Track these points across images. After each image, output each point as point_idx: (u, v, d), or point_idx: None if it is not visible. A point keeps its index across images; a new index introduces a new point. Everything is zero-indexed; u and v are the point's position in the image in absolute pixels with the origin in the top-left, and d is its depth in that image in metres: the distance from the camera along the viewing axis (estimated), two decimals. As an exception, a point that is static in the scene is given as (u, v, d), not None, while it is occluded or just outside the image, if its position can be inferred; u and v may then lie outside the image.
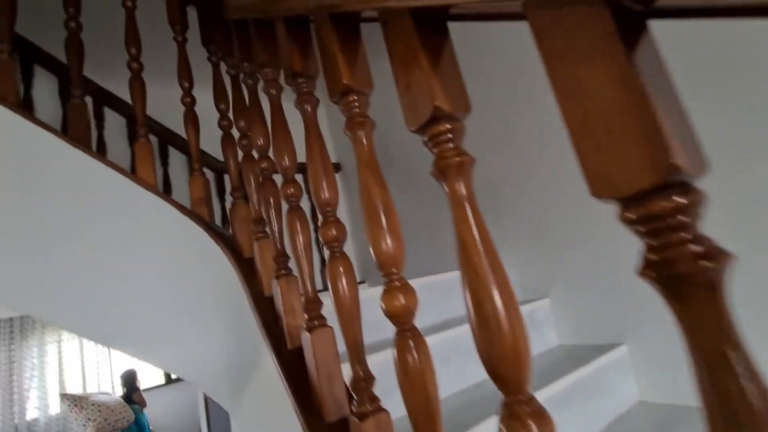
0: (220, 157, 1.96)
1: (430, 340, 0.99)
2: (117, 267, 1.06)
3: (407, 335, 0.48)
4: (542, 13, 0.28)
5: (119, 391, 4.53)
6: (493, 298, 0.33)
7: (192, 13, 1.31)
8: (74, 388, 4.86)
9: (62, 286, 0.98)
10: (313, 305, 0.71)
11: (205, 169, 1.28)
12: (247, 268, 1.00)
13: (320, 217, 0.61)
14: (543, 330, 1.42)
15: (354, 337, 0.58)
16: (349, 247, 2.67)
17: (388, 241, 0.48)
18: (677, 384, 1.13)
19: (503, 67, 1.61)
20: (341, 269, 0.59)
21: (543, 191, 1.49)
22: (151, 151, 1.11)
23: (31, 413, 4.61)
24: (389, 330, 1.18)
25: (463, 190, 0.34)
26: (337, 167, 2.81)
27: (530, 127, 1.52)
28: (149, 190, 1.06)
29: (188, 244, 1.09)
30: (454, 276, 1.59)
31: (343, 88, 0.47)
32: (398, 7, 0.35)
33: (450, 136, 0.34)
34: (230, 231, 1.13)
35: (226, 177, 2.36)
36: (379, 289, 1.26)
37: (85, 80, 1.71)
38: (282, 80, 0.81)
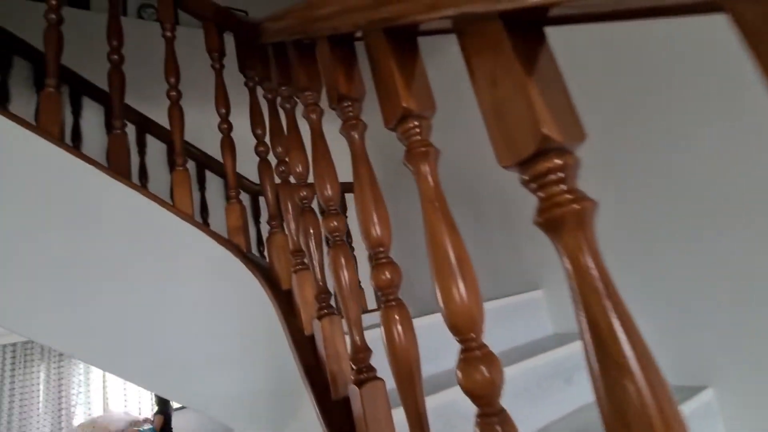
0: (256, 179, 1.94)
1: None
2: (150, 299, 1.03)
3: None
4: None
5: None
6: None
7: (229, 40, 1.31)
8: (116, 404, 5.00)
9: (94, 321, 0.96)
10: (361, 355, 0.63)
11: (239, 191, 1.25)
12: (285, 303, 0.94)
13: (371, 258, 0.54)
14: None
15: (415, 404, 0.48)
16: (365, 278, 2.57)
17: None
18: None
19: None
20: (397, 318, 0.50)
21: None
22: (189, 180, 1.08)
23: (78, 420, 4.75)
24: (447, 358, 1.08)
25: (585, 247, 0.26)
26: (348, 186, 2.75)
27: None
28: (186, 220, 1.03)
29: (224, 275, 1.04)
30: (518, 300, 1.48)
31: (402, 112, 0.40)
32: (486, 12, 0.28)
33: (562, 174, 0.28)
34: (267, 260, 1.08)
35: (262, 199, 2.36)
36: (432, 317, 1.19)
37: (128, 108, 1.76)
38: (323, 103, 0.75)
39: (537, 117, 0.26)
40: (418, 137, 0.41)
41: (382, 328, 0.50)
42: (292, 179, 0.88)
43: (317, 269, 0.78)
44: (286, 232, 1.00)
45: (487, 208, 1.82)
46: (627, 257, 1.27)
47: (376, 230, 0.52)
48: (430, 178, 0.40)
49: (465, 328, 0.39)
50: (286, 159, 0.94)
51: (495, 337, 1.29)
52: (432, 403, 0.73)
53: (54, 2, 1.06)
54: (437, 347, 1.12)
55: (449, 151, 1.97)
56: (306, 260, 0.88)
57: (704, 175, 1.08)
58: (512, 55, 0.27)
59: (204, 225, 1.07)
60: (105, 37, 1.16)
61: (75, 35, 1.76)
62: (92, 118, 2.10)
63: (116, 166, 1.02)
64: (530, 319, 1.49)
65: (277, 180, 1.00)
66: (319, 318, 0.74)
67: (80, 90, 2.02)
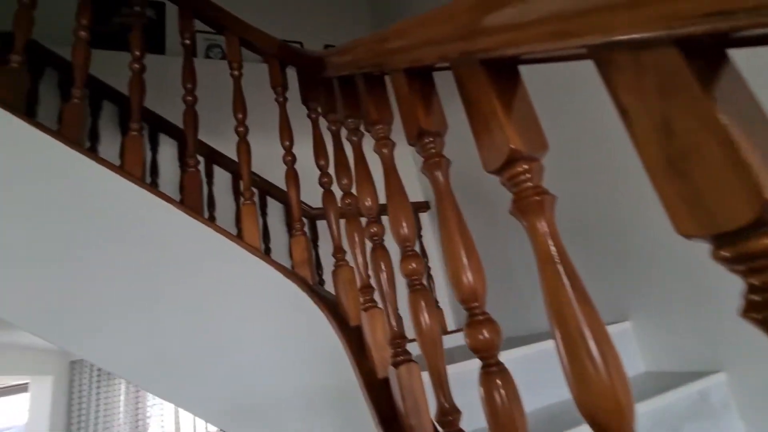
0: (314, 203, 1.96)
1: None
2: (216, 330, 1.03)
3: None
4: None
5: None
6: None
7: (291, 73, 1.34)
8: (186, 418, 5.26)
9: (167, 354, 0.98)
10: (450, 417, 0.56)
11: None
12: (355, 341, 0.90)
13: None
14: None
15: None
16: (443, 297, 2.48)
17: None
18: None
19: (577, 103, 1.39)
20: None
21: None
22: (256, 213, 1.10)
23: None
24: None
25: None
26: (425, 206, 2.70)
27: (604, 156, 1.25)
28: (254, 253, 1.04)
29: (291, 308, 1.03)
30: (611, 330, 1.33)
31: (509, 155, 0.34)
32: (655, 38, 0.22)
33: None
34: (334, 293, 1.05)
35: (319, 222, 2.39)
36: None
37: (199, 142, 1.87)
38: (392, 134, 0.72)
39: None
40: (530, 183, 0.35)
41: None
42: (359, 213, 0.85)
43: (390, 310, 0.73)
44: (353, 266, 0.96)
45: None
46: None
47: (469, 280, 0.46)
48: (548, 240, 0.33)
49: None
50: (353, 192, 0.91)
51: None
52: None
53: (137, 53, 1.15)
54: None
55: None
56: (376, 297, 0.83)
57: None
58: (699, 92, 0.21)
59: (270, 258, 1.07)
60: (179, 78, 1.24)
61: (151, 77, 1.91)
62: (167, 149, 2.26)
63: (190, 202, 1.06)
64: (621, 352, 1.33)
65: (343, 212, 0.97)
66: (396, 365, 0.69)
67: (157, 127, 2.19)
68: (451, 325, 2.44)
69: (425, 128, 0.51)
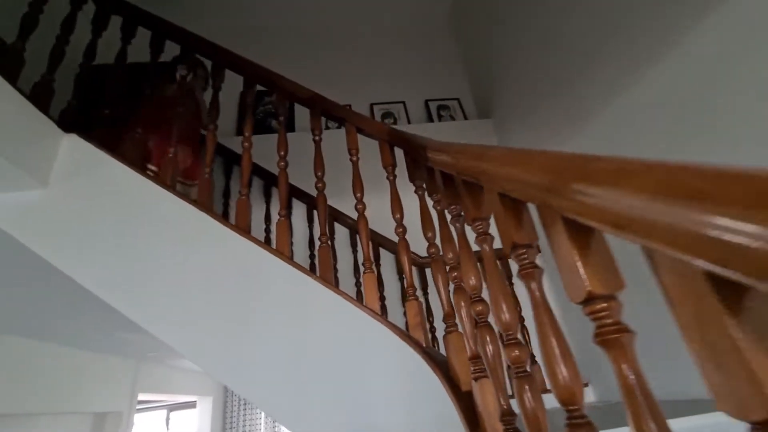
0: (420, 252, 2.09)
1: None
2: (343, 382, 1.20)
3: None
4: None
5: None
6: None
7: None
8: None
9: (300, 396, 1.17)
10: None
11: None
12: (466, 405, 0.97)
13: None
14: None
15: None
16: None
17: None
18: None
19: None
20: (526, 386, 0.64)
21: None
22: (376, 281, 1.28)
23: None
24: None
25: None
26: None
27: None
28: (374, 317, 1.20)
29: (406, 369, 1.15)
30: None
31: (587, 295, 0.42)
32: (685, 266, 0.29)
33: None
34: (446, 356, 1.15)
35: (427, 270, 2.53)
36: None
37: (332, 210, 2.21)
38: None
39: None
40: (608, 320, 0.41)
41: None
42: (465, 287, 0.95)
43: (497, 386, 0.80)
44: (462, 332, 1.05)
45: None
46: None
47: (566, 381, 0.52)
48: (629, 374, 0.39)
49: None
50: (458, 268, 1.02)
51: None
52: None
53: (282, 153, 1.47)
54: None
55: None
56: (487, 369, 0.91)
57: None
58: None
59: (387, 320, 1.22)
60: (307, 153, 1.53)
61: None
62: (298, 209, 2.69)
63: (324, 274, 1.29)
64: None
65: (451, 284, 1.08)
66: (509, 442, 0.75)
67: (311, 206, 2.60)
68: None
69: (518, 242, 0.60)
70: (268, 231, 2.50)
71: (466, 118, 3.48)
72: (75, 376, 2.84)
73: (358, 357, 1.21)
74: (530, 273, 0.59)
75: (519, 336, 0.72)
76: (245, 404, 5.63)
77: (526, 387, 0.68)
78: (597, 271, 0.42)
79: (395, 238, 1.46)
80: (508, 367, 0.72)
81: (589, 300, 0.42)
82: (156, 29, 1.72)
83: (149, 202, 1.39)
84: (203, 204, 1.38)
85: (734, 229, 0.24)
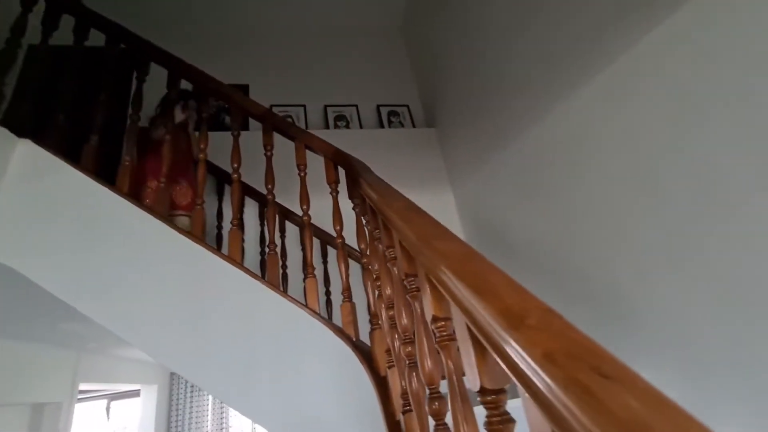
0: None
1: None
2: (285, 371, 1.41)
3: None
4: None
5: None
6: None
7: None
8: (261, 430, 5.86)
9: (249, 380, 1.38)
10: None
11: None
12: (382, 388, 1.24)
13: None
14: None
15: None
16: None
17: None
18: None
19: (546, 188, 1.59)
20: (414, 374, 0.79)
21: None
22: (317, 286, 1.50)
23: (232, 447, 5.70)
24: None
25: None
26: (467, 250, 2.96)
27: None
28: (314, 317, 1.43)
29: (338, 358, 1.39)
30: None
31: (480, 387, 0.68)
32: None
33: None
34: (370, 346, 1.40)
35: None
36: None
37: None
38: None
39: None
40: (495, 411, 0.53)
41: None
42: (383, 295, 1.20)
43: (401, 375, 1.07)
44: (382, 330, 1.31)
45: (571, 296, 1.88)
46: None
47: (429, 367, 0.79)
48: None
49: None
50: (380, 279, 1.26)
51: None
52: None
53: (235, 165, 1.63)
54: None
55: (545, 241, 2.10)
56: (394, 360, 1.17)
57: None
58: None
59: (326, 319, 1.45)
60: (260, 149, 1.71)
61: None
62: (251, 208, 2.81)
63: (272, 279, 1.49)
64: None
65: (376, 291, 1.33)
66: (403, 413, 1.02)
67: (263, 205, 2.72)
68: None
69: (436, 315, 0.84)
70: (219, 228, 2.60)
71: (414, 125, 3.73)
72: (12, 368, 2.81)
73: (298, 348, 1.43)
74: (415, 296, 0.85)
75: (413, 336, 0.97)
76: (192, 392, 5.66)
77: (414, 374, 0.94)
78: (488, 369, 0.60)
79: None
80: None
81: (480, 392, 0.62)
82: (109, 31, 1.77)
83: (105, 208, 1.49)
84: (159, 213, 1.51)
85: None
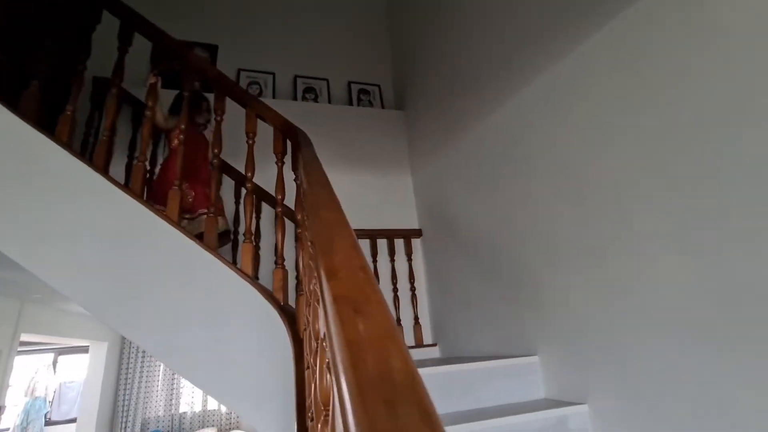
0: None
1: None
2: (215, 333, 1.49)
3: None
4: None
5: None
6: None
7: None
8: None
9: (180, 341, 1.45)
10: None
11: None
12: (299, 349, 1.33)
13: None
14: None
15: None
16: (425, 314, 2.86)
17: None
18: None
19: (508, 177, 1.71)
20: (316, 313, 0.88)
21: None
22: (253, 250, 1.56)
23: (182, 408, 5.79)
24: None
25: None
26: (418, 233, 3.08)
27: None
28: (246, 279, 1.50)
29: (264, 321, 1.47)
30: (517, 363, 1.69)
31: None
32: None
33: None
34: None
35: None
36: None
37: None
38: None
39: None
40: None
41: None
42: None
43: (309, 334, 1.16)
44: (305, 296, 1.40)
45: (499, 281, 2.02)
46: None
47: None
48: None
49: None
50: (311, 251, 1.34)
51: (493, 393, 1.52)
52: None
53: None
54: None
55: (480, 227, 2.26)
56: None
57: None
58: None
59: (257, 283, 1.52)
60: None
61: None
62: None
63: (208, 242, 1.54)
64: (525, 380, 1.66)
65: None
66: (306, 368, 1.12)
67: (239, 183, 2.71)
68: (428, 339, 2.82)
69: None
70: (152, 174, 2.47)
71: (383, 106, 3.77)
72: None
73: (228, 307, 1.50)
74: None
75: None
76: (144, 351, 5.66)
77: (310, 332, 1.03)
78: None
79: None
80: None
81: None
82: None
83: (44, 157, 1.48)
84: (98, 167, 1.51)
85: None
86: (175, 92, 2.41)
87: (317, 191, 0.86)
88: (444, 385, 1.56)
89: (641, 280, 1.28)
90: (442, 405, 1.50)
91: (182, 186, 1.60)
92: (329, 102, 3.61)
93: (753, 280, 0.98)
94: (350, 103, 3.69)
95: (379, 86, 3.85)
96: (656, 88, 1.26)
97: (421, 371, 1.43)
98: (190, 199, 2.04)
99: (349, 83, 3.76)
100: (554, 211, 1.68)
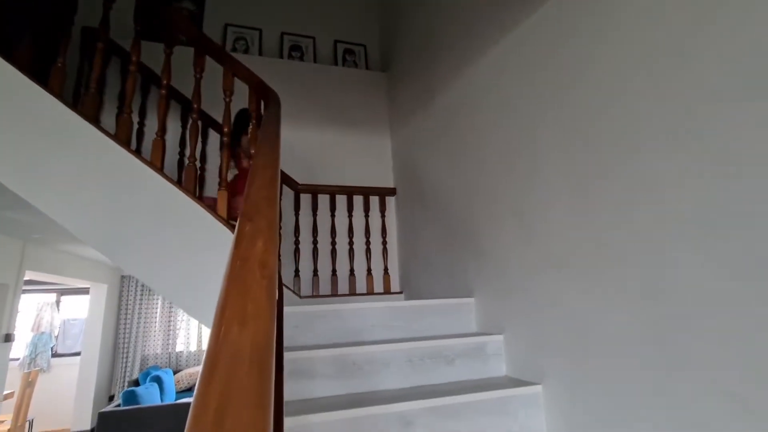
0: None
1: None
2: (178, 242, 1.73)
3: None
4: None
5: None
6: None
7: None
8: (206, 330, 6.41)
9: (148, 251, 1.71)
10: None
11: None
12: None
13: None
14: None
15: None
16: (394, 264, 3.15)
17: None
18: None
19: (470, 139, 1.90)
20: None
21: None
22: (227, 197, 1.78)
23: (179, 347, 6.26)
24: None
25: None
26: (393, 191, 3.30)
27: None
28: (220, 221, 1.73)
29: (213, 233, 1.71)
30: (458, 302, 1.97)
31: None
32: None
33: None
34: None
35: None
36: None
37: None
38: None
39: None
40: None
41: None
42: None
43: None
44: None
45: (454, 237, 2.27)
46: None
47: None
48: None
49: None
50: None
51: (436, 325, 1.81)
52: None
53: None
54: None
55: (433, 179, 2.49)
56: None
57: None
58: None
59: (229, 223, 1.76)
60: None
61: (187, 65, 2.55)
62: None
63: (187, 185, 1.75)
64: (461, 317, 1.95)
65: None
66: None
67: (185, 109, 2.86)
68: (395, 287, 3.12)
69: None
70: (142, 125, 2.59)
71: (368, 67, 3.85)
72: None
73: (202, 241, 1.73)
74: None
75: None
76: (142, 295, 6.04)
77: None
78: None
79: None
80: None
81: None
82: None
83: (36, 104, 1.66)
84: (89, 117, 1.69)
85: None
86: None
87: (262, 150, 1.06)
88: (396, 317, 1.85)
89: (544, 232, 1.52)
90: (390, 335, 1.80)
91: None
92: (315, 61, 3.69)
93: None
94: (335, 63, 3.77)
95: (365, 46, 3.90)
96: (580, 70, 1.42)
97: (378, 305, 1.73)
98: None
99: (336, 42, 3.81)
100: (495, 176, 1.89)
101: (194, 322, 6.41)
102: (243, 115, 2.37)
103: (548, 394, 1.44)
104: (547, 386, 1.45)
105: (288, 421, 1.18)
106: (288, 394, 1.38)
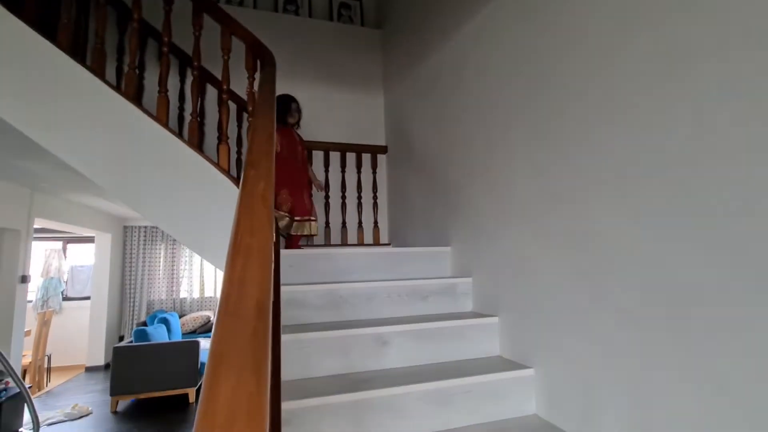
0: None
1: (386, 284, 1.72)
2: (191, 194, 1.95)
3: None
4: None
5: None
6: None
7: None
8: (208, 277, 6.78)
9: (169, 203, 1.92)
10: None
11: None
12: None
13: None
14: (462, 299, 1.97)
15: None
16: (384, 218, 3.38)
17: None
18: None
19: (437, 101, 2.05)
20: None
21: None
22: (228, 151, 1.96)
23: (182, 294, 6.64)
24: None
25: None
26: (384, 149, 3.46)
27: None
28: (223, 173, 1.92)
29: (220, 187, 1.92)
30: (436, 250, 2.22)
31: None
32: None
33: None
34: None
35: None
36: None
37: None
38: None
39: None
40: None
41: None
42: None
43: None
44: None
45: (435, 192, 2.47)
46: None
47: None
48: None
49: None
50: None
51: (415, 269, 2.06)
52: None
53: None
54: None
55: (424, 142, 2.66)
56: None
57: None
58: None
59: (231, 175, 1.95)
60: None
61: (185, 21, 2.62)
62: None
63: (191, 140, 1.92)
64: (438, 263, 2.21)
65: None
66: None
67: (184, 63, 2.95)
68: (384, 239, 3.37)
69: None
70: (141, 77, 2.65)
71: (363, 23, 3.85)
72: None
73: (208, 192, 1.94)
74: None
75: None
76: (145, 243, 6.32)
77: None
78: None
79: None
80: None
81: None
82: None
83: (45, 59, 1.78)
84: (99, 74, 1.82)
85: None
86: None
87: (261, 110, 1.23)
88: (381, 262, 2.10)
89: (511, 190, 1.72)
90: (378, 275, 2.05)
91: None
92: (310, 15, 3.69)
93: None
94: (330, 18, 3.77)
95: (360, 1, 3.87)
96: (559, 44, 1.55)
97: (366, 250, 1.99)
98: (289, 205, 2.45)
99: (330, -2, 3.78)
100: (470, 135, 2.06)
101: (196, 272, 6.74)
102: (283, 99, 2.60)
103: (503, 323, 1.72)
104: (502, 317, 1.73)
105: (285, 338, 1.45)
106: (285, 319, 1.65)
